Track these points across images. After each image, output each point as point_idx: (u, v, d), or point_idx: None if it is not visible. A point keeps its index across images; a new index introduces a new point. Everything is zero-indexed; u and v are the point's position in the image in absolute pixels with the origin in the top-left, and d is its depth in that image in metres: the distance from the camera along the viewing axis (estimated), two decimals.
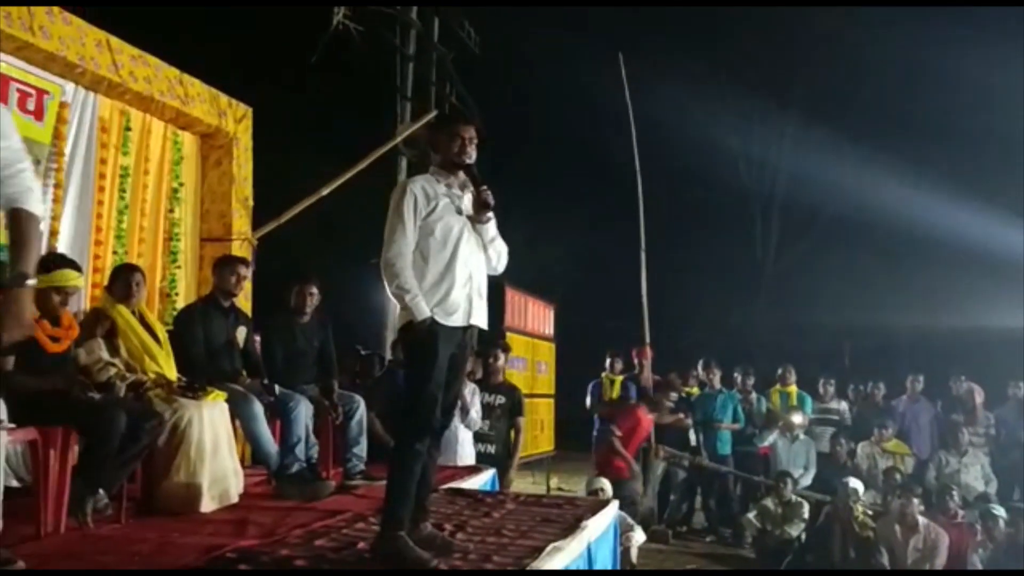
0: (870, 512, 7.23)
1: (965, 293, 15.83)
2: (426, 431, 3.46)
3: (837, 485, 7.35)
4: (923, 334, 16.12)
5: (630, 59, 9.03)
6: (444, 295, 3.47)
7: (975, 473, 8.07)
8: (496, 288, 9.81)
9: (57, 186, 5.24)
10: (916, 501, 6.91)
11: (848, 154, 18.21)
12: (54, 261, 4.03)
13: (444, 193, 3.56)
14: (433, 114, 9.65)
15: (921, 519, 6.83)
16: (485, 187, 3.58)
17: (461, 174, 3.62)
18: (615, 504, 5.21)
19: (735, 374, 9.32)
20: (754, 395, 9.20)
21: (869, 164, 17.55)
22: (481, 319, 3.60)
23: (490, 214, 3.61)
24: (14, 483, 3.99)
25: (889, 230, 17.65)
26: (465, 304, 3.53)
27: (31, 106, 5.06)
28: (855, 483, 7.26)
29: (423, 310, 3.38)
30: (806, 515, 7.65)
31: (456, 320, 3.49)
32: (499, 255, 3.74)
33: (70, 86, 5.33)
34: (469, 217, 3.59)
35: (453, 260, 3.50)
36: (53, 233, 5.20)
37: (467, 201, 3.62)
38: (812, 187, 18.64)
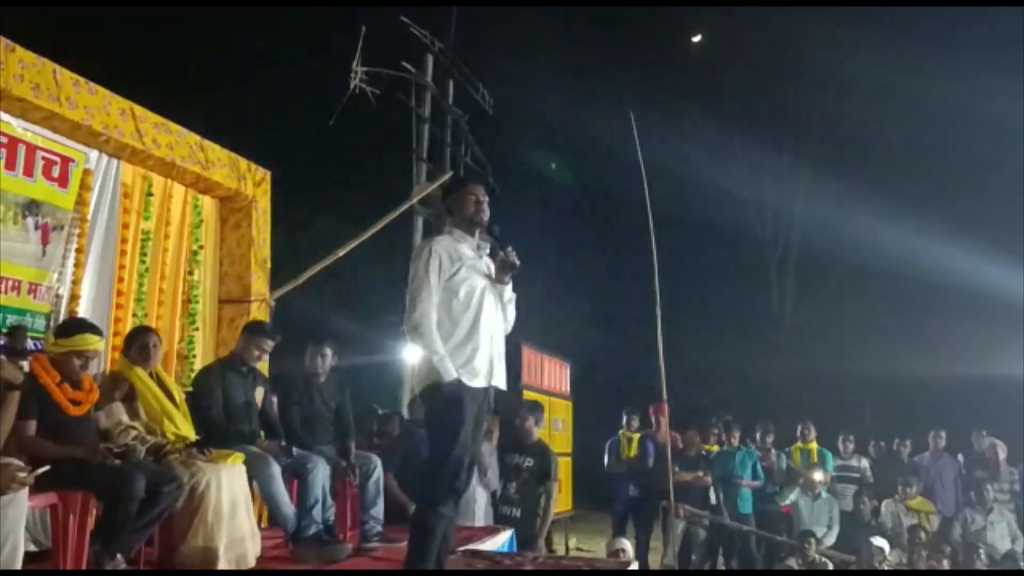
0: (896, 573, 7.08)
1: (986, 343, 15.62)
2: (452, 494, 3.46)
3: (862, 544, 7.21)
4: (944, 386, 15.89)
5: (641, 114, 9.13)
6: (469, 357, 3.50)
7: (1001, 531, 7.90)
8: (513, 347, 9.80)
9: (79, 251, 5.34)
10: (943, 560, 6.77)
11: (863, 203, 18.07)
12: (75, 325, 4.10)
13: (467, 254, 3.62)
14: (449, 175, 9.77)
15: None
16: (511, 248, 3.64)
17: (477, 233, 3.68)
18: (635, 566, 5.13)
19: (756, 431, 9.23)
20: (774, 452, 9.10)
21: (885, 213, 17.33)
22: (501, 380, 3.63)
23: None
24: (32, 547, 3.98)
25: (908, 279, 17.49)
26: (487, 365, 3.56)
27: (56, 173, 5.19)
28: (880, 542, 7.14)
29: (450, 371, 3.41)
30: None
31: (479, 381, 3.52)
32: (512, 314, 3.78)
33: (94, 153, 5.46)
34: (489, 277, 3.64)
35: (477, 321, 3.54)
36: (74, 297, 5.29)
37: (486, 261, 3.68)
38: (828, 238, 18.54)
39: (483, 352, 3.54)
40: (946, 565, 6.82)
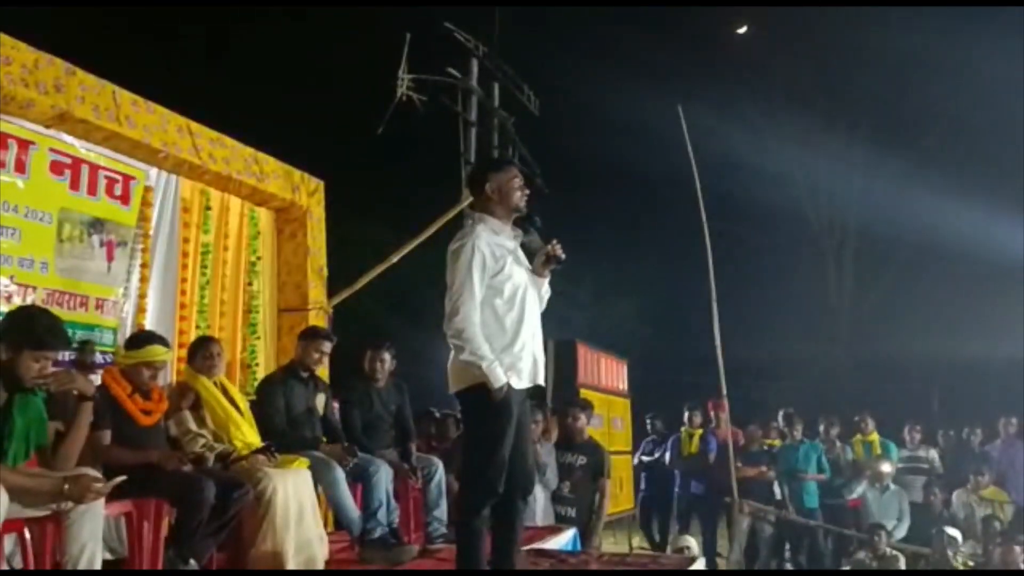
0: (971, 564, 6.91)
1: None
2: (493, 496, 3.33)
3: (934, 536, 7.05)
4: (1013, 370, 15.38)
5: (690, 107, 9.04)
6: (516, 358, 3.36)
7: None
8: (568, 345, 9.85)
9: (144, 265, 5.47)
10: (1018, 550, 6.59)
11: (922, 183, 17.53)
12: (143, 338, 4.22)
13: (508, 245, 3.43)
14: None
15: None
16: (556, 241, 3.47)
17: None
18: (702, 561, 5.09)
19: (819, 424, 9.08)
20: (839, 445, 8.94)
21: (945, 191, 16.75)
22: (542, 377, 3.51)
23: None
24: (107, 555, 4.09)
25: (970, 259, 16.90)
26: (531, 363, 3.44)
27: (118, 191, 5.32)
28: (953, 532, 6.98)
29: (500, 377, 3.25)
30: (903, 568, 7.34)
31: (524, 382, 3.41)
32: (544, 304, 3.60)
33: (153, 170, 5.59)
34: (528, 269, 3.47)
35: (521, 319, 3.39)
36: (140, 311, 5.43)
37: (522, 253, 3.51)
38: (887, 221, 18.05)
39: (528, 351, 3.40)
40: (1021, 555, 6.63)
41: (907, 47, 17.55)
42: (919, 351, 17.28)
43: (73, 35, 7.37)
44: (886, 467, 8.41)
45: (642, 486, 9.99)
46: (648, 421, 10.27)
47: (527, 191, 3.50)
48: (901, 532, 8.04)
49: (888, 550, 7.45)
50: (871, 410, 9.24)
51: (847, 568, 7.54)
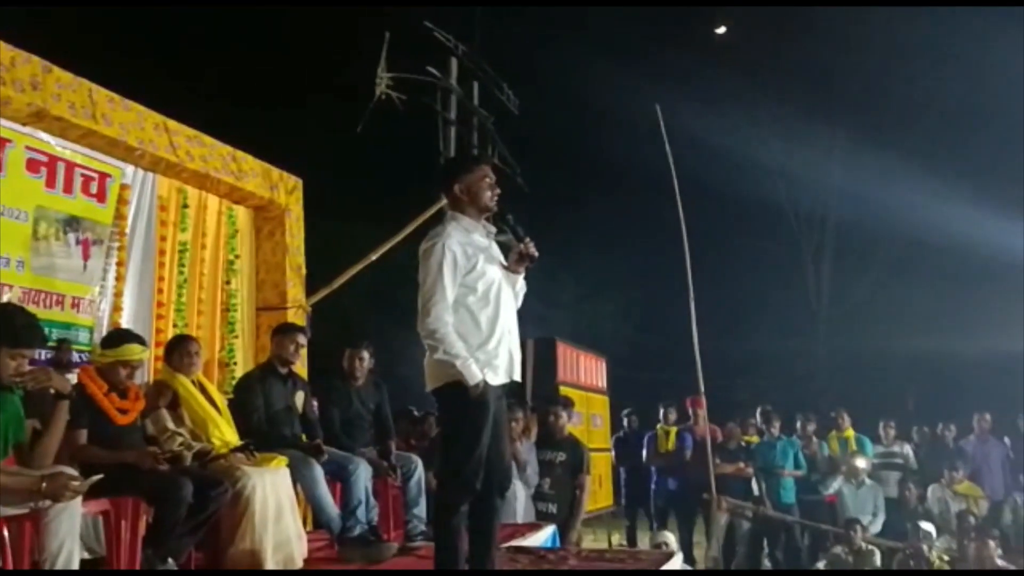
0: (946, 558, 7.00)
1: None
2: (470, 493, 3.35)
3: (908, 530, 7.14)
4: (988, 365, 15.42)
5: (668, 103, 9.06)
6: (492, 354, 3.37)
7: None
8: (547, 343, 9.89)
9: (120, 264, 5.44)
10: (993, 544, 6.68)
11: (900, 183, 17.36)
12: (119, 336, 4.20)
13: (481, 243, 3.44)
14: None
15: (1000, 562, 6.60)
16: (529, 239, 3.47)
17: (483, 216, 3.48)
18: (679, 557, 5.13)
19: (796, 421, 9.17)
20: (815, 441, 9.03)
21: (923, 192, 16.33)
22: (518, 373, 3.52)
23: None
24: (85, 555, 4.07)
25: (941, 256, 16.99)
26: (507, 360, 3.45)
27: (94, 189, 5.30)
28: (927, 526, 7.07)
29: (475, 374, 3.26)
30: (878, 563, 7.43)
31: (500, 378, 3.41)
32: (519, 300, 3.61)
33: (130, 168, 5.56)
34: (502, 265, 3.48)
35: (496, 316, 3.40)
36: (116, 309, 5.40)
37: (496, 250, 3.52)
38: (863, 224, 18.17)
39: (503, 347, 3.41)
40: (996, 550, 6.72)
41: (892, 36, 17.39)
42: (894, 348, 17.44)
43: (49, 33, 7.29)
44: (861, 463, 8.50)
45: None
46: (624, 418, 10.36)
47: (498, 190, 3.49)
48: (876, 527, 8.13)
49: (864, 545, 7.54)
50: (847, 407, 9.34)
51: (823, 564, 7.61)
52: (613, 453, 10.39)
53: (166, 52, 15.39)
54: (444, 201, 3.64)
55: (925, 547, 6.87)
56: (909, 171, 16.71)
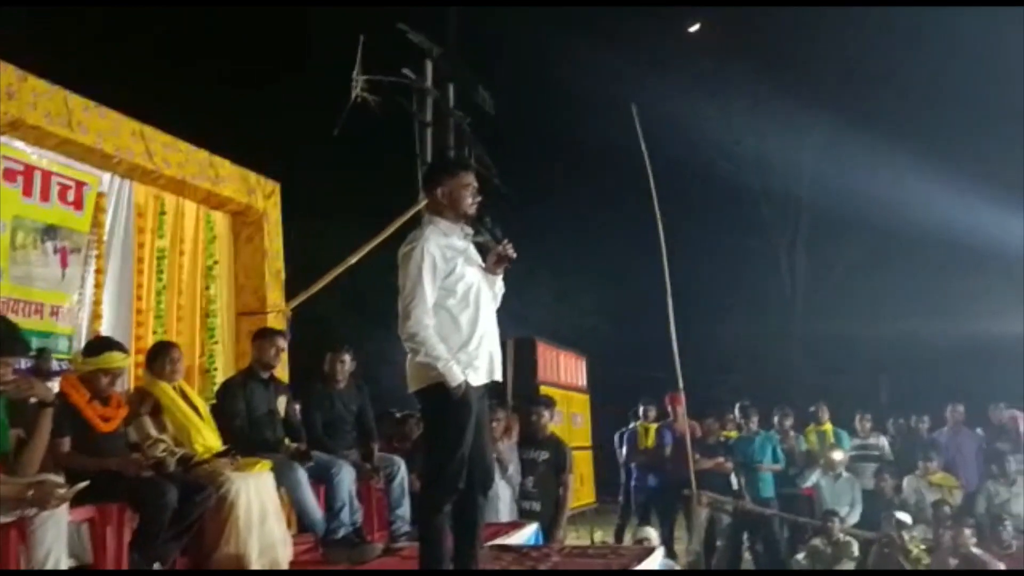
0: (923, 547, 7.12)
1: (1007, 304, 15.08)
2: (454, 493, 3.39)
3: (883, 519, 7.26)
4: (960, 352, 15.45)
5: (643, 99, 9.10)
6: (472, 355, 3.42)
7: None
8: (527, 343, 9.93)
9: (98, 272, 5.44)
10: (968, 533, 6.81)
11: (872, 173, 17.20)
12: (100, 344, 4.21)
13: (459, 246, 3.48)
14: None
15: (975, 551, 6.73)
16: (507, 240, 3.53)
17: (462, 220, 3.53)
18: (661, 551, 5.20)
19: (774, 415, 9.27)
20: (793, 435, 9.14)
21: (899, 182, 16.32)
22: (499, 373, 3.57)
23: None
24: (72, 563, 4.08)
25: (914, 246, 16.95)
26: (487, 360, 3.50)
27: (71, 197, 5.29)
28: (903, 516, 7.18)
29: (457, 375, 3.31)
30: (856, 553, 7.55)
31: (481, 378, 3.46)
32: (498, 301, 3.66)
33: (107, 176, 5.55)
34: (480, 267, 3.53)
35: (476, 318, 3.45)
36: (96, 317, 5.40)
37: (474, 252, 3.57)
38: (836, 216, 18.15)
39: (484, 348, 3.45)
40: (971, 538, 6.86)
41: (867, 20, 17.27)
42: (868, 342, 17.59)
43: (22, 40, 7.25)
44: (838, 455, 8.62)
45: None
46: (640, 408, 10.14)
47: (479, 197, 3.54)
48: (854, 518, 8.25)
49: (842, 536, 7.66)
50: (821, 398, 9.46)
51: (802, 555, 7.71)
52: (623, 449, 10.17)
53: (140, 57, 15.28)
54: (422, 204, 3.68)
55: (905, 536, 6.98)
56: (883, 157, 16.69)
